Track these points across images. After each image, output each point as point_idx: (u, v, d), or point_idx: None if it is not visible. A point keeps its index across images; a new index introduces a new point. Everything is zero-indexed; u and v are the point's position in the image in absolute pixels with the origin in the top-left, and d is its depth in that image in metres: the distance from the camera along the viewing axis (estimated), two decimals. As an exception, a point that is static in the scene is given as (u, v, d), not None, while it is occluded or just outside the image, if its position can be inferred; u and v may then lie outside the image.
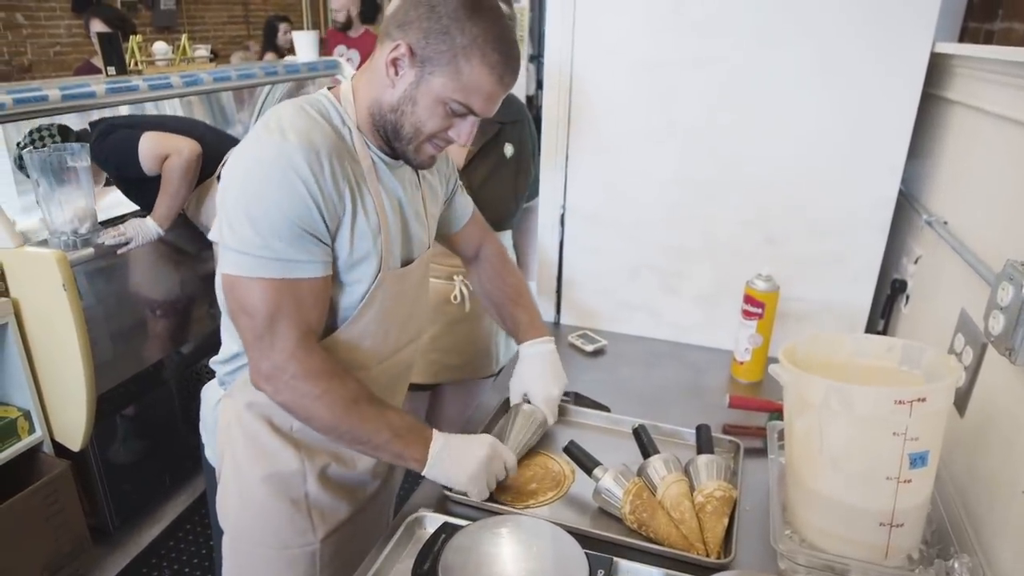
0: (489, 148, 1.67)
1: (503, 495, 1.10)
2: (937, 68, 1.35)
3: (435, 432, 1.03)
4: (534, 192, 1.83)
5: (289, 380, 0.94)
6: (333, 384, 0.95)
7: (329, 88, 1.04)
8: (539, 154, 1.67)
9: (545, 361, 1.26)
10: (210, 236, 0.97)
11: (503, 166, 1.70)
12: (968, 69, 1.23)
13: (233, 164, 0.93)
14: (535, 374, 1.25)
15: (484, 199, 1.63)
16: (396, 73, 0.94)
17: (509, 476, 1.08)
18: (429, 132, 0.97)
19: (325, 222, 0.94)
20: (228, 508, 1.11)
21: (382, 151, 1.03)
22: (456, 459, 1.01)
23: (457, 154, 1.64)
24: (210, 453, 1.19)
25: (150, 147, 2.13)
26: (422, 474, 1.02)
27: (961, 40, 1.60)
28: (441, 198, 1.23)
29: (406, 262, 1.10)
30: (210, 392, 1.18)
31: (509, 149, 1.71)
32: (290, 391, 0.95)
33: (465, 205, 1.32)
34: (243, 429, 1.07)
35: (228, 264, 0.93)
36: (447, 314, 1.73)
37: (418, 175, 1.13)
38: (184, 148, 2.14)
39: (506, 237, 1.84)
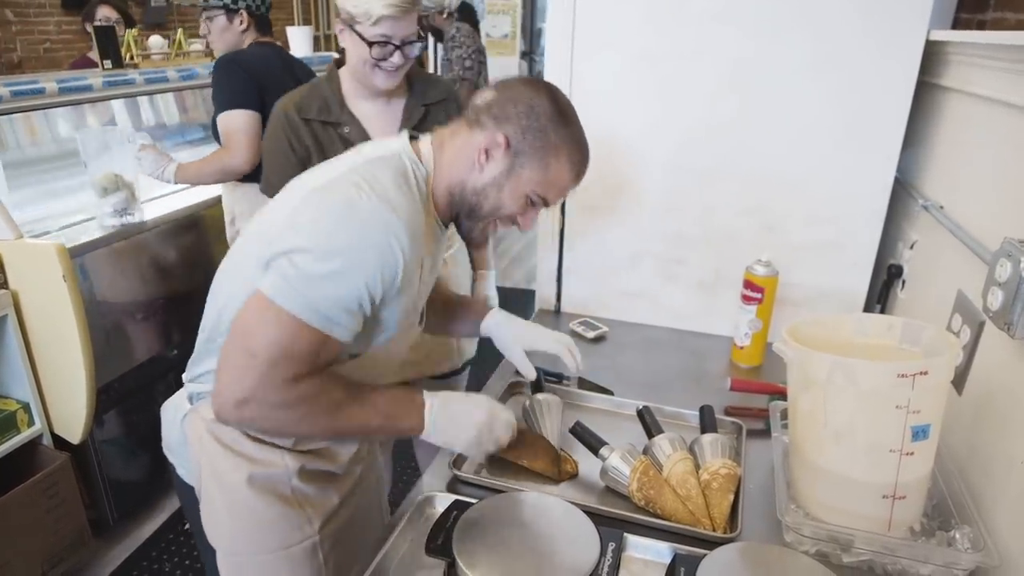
0: (417, 131, 1.66)
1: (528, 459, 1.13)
2: (932, 56, 1.37)
3: (427, 396, 1.01)
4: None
5: (267, 412, 0.91)
6: (311, 404, 0.93)
7: (412, 138, 1.04)
8: None
9: (526, 323, 1.28)
10: (270, 248, 0.92)
11: None
12: (963, 56, 1.26)
13: (327, 207, 0.90)
14: (538, 332, 1.25)
15: None
16: (487, 159, 0.98)
17: (512, 438, 1.07)
18: (504, 216, 1.02)
19: (388, 297, 0.93)
20: (217, 522, 1.07)
21: (441, 221, 1.06)
22: (455, 423, 1.02)
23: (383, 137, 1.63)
24: (184, 472, 1.14)
25: (232, 123, 1.98)
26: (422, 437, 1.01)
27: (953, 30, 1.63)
28: None
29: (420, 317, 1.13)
30: (171, 411, 1.13)
31: None
32: (266, 422, 0.94)
33: None
34: (217, 438, 1.04)
35: (271, 287, 0.88)
36: None
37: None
38: (237, 164, 2.01)
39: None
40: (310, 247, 0.87)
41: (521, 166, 0.98)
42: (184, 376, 1.12)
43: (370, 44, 1.46)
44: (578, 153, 1.02)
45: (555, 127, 0.98)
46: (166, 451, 1.16)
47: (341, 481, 1.15)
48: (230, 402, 0.90)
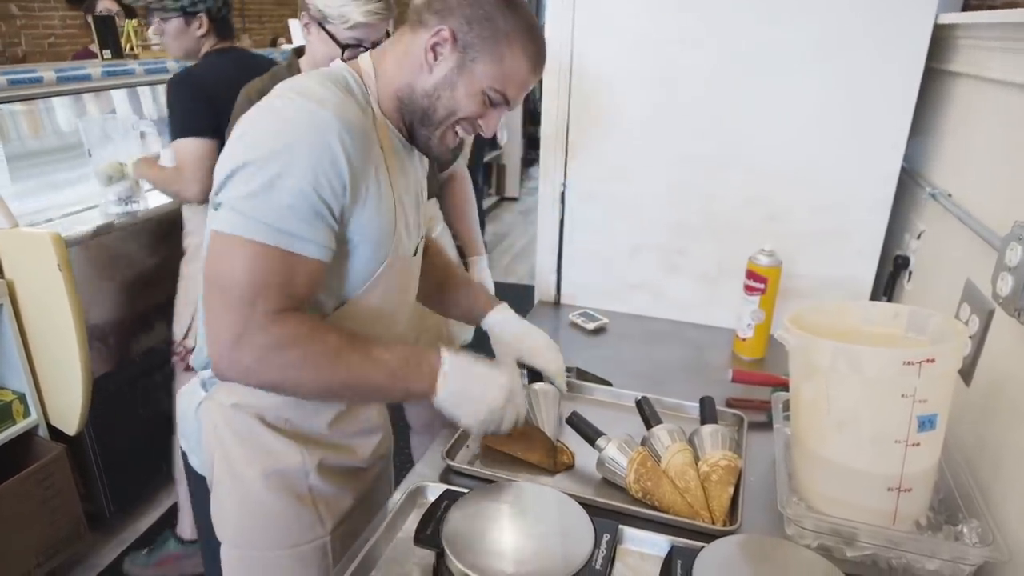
0: None
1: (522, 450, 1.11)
2: (940, 41, 1.34)
3: (444, 356, 0.93)
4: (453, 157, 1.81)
5: (262, 353, 0.85)
6: (310, 344, 0.87)
7: (345, 60, 1.00)
8: None
9: (531, 329, 1.23)
10: (212, 196, 0.89)
11: None
12: (973, 39, 1.22)
13: (253, 122, 0.87)
14: (538, 345, 1.21)
15: None
16: (435, 58, 0.92)
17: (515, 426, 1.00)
18: (463, 116, 0.95)
19: (344, 203, 0.88)
20: (226, 514, 1.04)
21: (400, 135, 1.00)
22: (468, 397, 0.94)
23: None
24: (196, 461, 1.11)
25: (184, 152, 1.84)
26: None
27: (963, 17, 1.60)
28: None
29: (415, 251, 1.08)
30: (187, 397, 1.10)
31: None
32: (263, 367, 0.86)
33: None
34: (233, 429, 1.01)
35: (222, 221, 0.85)
36: None
37: (418, 164, 1.10)
38: (188, 194, 1.88)
39: (430, 207, 1.80)
40: (242, 164, 0.84)
41: (472, 60, 0.91)
42: (193, 364, 1.08)
43: (343, 47, 1.45)
44: (532, 41, 0.94)
45: (503, 14, 0.91)
46: (180, 438, 1.14)
47: (359, 479, 1.12)
48: (224, 353, 0.85)
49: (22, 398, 1.94)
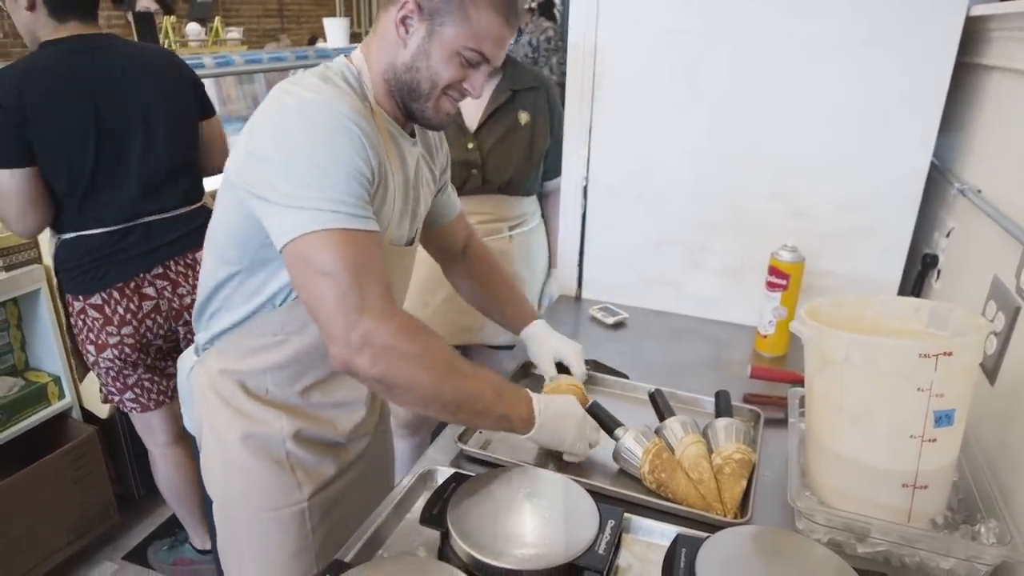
0: (502, 113, 1.69)
1: None
2: (972, 35, 1.31)
3: (527, 390, 1.02)
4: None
5: (386, 340, 0.85)
6: (429, 341, 0.89)
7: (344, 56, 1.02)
8: (561, 127, 1.66)
9: (558, 334, 1.30)
10: (253, 195, 0.89)
11: (516, 131, 1.70)
12: (1007, 31, 1.19)
13: (275, 121, 0.88)
14: (563, 343, 1.28)
15: (494, 162, 1.66)
16: (406, 31, 0.94)
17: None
18: (445, 83, 0.96)
19: (370, 188, 0.91)
20: (213, 474, 1.09)
21: (396, 122, 1.02)
22: (561, 417, 1.02)
23: (471, 115, 1.67)
24: (188, 422, 1.17)
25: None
26: (526, 437, 0.99)
27: (1000, 12, 1.56)
28: (435, 186, 1.21)
29: (408, 241, 1.10)
30: (184, 361, 1.16)
31: (524, 116, 1.71)
32: (388, 356, 0.85)
33: (454, 202, 1.31)
34: (217, 393, 1.05)
35: (292, 226, 0.85)
36: None
37: (420, 156, 1.12)
38: (14, 230, 1.59)
39: (530, 203, 1.83)
40: (281, 171, 0.85)
41: (441, 25, 0.92)
42: (194, 323, 1.13)
43: None
44: None
45: None
46: (180, 398, 1.20)
47: (341, 452, 1.14)
48: (350, 352, 0.85)
49: (57, 380, 2.00)
